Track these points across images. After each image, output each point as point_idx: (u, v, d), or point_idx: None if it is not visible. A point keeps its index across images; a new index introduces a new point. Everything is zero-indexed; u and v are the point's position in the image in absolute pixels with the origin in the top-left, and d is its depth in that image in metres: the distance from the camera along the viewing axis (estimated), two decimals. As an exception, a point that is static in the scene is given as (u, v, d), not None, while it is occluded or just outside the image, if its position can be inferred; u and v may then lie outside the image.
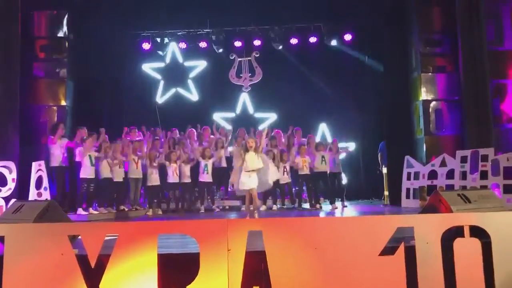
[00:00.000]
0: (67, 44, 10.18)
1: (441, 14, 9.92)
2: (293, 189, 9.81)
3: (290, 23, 12.15)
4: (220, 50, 12.54)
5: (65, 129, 9.16)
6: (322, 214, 8.52)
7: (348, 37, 12.17)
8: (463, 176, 8.38)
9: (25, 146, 8.77)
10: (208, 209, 9.56)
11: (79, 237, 3.56)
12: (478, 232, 3.46)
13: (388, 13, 10.52)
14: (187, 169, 9.55)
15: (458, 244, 3.41)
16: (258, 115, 12.62)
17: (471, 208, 3.89)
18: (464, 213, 3.68)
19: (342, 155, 10.12)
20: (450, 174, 8.70)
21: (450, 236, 3.43)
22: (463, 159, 8.42)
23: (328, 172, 9.56)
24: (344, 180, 10.70)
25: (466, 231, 3.46)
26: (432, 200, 4.12)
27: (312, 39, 12.31)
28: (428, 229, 3.45)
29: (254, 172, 7.09)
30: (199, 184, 9.64)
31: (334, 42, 12.27)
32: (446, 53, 9.80)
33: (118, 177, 8.89)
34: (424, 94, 9.87)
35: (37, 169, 7.70)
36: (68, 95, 10.11)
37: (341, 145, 10.36)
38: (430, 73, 9.86)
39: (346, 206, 9.57)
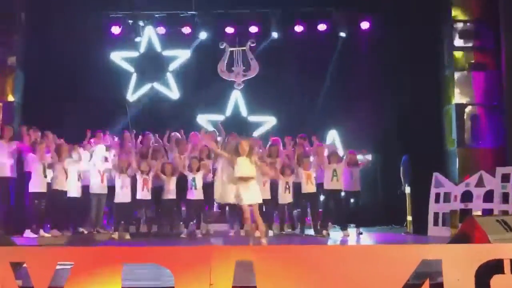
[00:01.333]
0: (17, 25, 10.16)
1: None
2: (295, 211, 9.80)
3: (294, 7, 12.23)
4: (207, 37, 12.57)
5: (13, 129, 9.09)
6: (330, 243, 8.50)
7: (365, 25, 12.25)
8: (505, 198, 8.39)
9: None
10: (191, 234, 9.49)
11: (24, 265, 3.53)
12: (521, 268, 3.46)
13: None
14: (172, 183, 9.52)
15: (497, 281, 3.41)
16: (253, 118, 12.66)
17: (512, 238, 3.90)
18: (504, 244, 3.68)
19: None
20: (488, 196, 8.70)
21: (487, 271, 3.43)
22: (505, 178, 8.44)
23: (341, 190, 9.56)
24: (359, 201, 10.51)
25: (507, 266, 3.46)
26: (465, 227, 4.13)
27: (321, 27, 12.39)
28: (459, 263, 3.44)
29: (250, 181, 6.97)
30: (186, 202, 9.61)
31: (347, 32, 12.32)
32: (486, 47, 9.85)
33: (74, 191, 8.87)
34: (458, 97, 9.93)
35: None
36: (17, 88, 10.11)
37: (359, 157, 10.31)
38: (465, 71, 9.92)
39: (361, 234, 9.55)
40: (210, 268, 3.33)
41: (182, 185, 9.59)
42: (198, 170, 9.54)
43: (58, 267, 3.44)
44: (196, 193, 9.49)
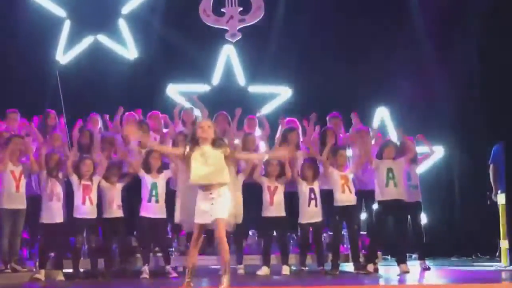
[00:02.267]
0: None
1: None
2: (324, 233, 9.84)
3: None
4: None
5: None
6: (381, 284, 8.45)
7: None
8: None
9: None
10: (159, 273, 9.44)
11: None
12: None
13: None
14: (116, 193, 9.42)
15: None
16: (256, 88, 12.80)
17: None
18: None
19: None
20: None
21: None
22: None
23: (403, 200, 9.47)
24: (423, 219, 10.65)
25: None
26: None
27: None
28: None
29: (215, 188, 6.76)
30: (139, 221, 9.53)
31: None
32: None
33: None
34: None
35: None
36: None
37: (419, 149, 10.32)
38: None
39: (428, 269, 9.53)
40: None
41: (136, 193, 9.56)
42: (159, 170, 9.52)
43: None
44: (154, 208, 9.46)
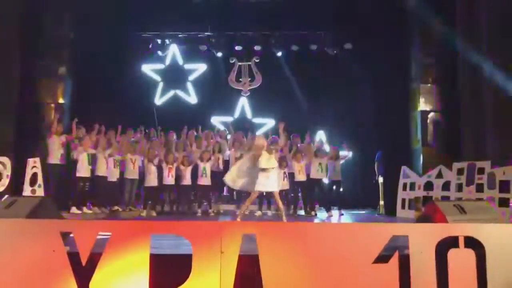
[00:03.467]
0: (67, 43, 10.22)
1: (442, 24, 9.91)
2: (289, 195, 9.79)
3: (291, 30, 12.17)
4: (220, 54, 12.56)
5: (63, 126, 9.11)
6: (317, 221, 8.47)
7: (348, 46, 12.20)
8: (459, 188, 8.37)
9: (21, 142, 8.74)
10: (205, 212, 9.49)
11: (71, 234, 3.52)
12: (472, 243, 3.45)
13: (388, 24, 10.49)
14: (187, 172, 9.48)
15: (453, 254, 3.40)
16: (257, 120, 12.60)
17: (466, 219, 3.89)
18: (459, 224, 3.68)
19: (342, 162, 10.08)
20: (446, 186, 8.68)
21: (445, 246, 3.42)
22: (460, 171, 8.42)
23: (325, 179, 9.51)
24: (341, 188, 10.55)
25: (461, 242, 3.45)
26: (428, 209, 4.11)
27: (313, 47, 12.36)
28: (423, 239, 3.43)
29: (271, 172, 6.85)
30: (197, 187, 9.56)
31: (333, 51, 12.31)
32: (447, 65, 9.81)
33: (113, 176, 8.88)
34: (423, 105, 9.89)
35: (32, 166, 7.65)
36: (66, 93, 10.12)
37: (340, 152, 10.25)
38: (429, 84, 9.92)
39: (342, 214, 9.48)
40: (221, 239, 3.31)
41: (195, 173, 9.56)
42: (208, 160, 9.49)
43: (98, 236, 3.43)
44: (205, 180, 9.43)
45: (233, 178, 7.17)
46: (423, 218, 4.10)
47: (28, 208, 3.86)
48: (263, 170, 6.80)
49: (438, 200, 4.11)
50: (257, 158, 6.84)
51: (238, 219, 6.75)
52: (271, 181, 6.86)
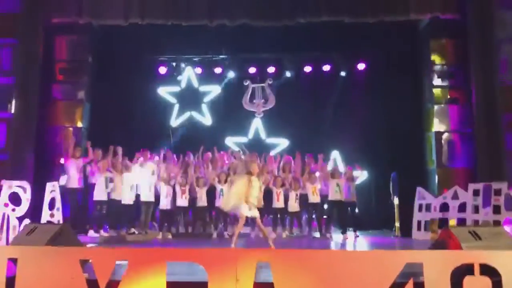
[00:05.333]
0: (86, 67, 10.44)
1: (455, 46, 9.99)
2: (303, 217, 9.76)
3: (304, 52, 12.23)
4: (234, 76, 12.66)
5: (81, 150, 9.28)
6: (332, 244, 8.44)
7: (361, 66, 12.20)
8: (476, 209, 8.28)
9: (40, 166, 8.91)
10: (220, 235, 9.45)
11: (90, 262, 3.59)
12: (488, 271, 3.43)
13: (401, 45, 10.61)
14: (203, 193, 9.48)
15: (468, 282, 3.39)
16: (270, 140, 12.55)
17: (481, 245, 3.87)
18: (474, 251, 3.67)
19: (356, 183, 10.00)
20: (462, 207, 8.60)
21: (460, 273, 3.41)
22: (476, 192, 8.33)
23: (343, 200, 9.48)
24: (357, 209, 10.41)
25: (476, 269, 3.44)
26: (443, 236, 4.10)
27: (326, 68, 12.38)
28: (437, 266, 3.43)
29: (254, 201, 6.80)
30: (215, 209, 9.53)
31: (346, 71, 12.29)
32: (459, 86, 9.84)
33: (129, 199, 8.96)
34: (437, 126, 9.88)
35: (51, 190, 7.78)
36: (85, 117, 10.31)
37: (355, 172, 10.19)
38: (442, 105, 9.92)
39: (358, 236, 9.33)
40: (236, 267, 3.35)
41: (213, 194, 9.53)
42: (225, 182, 9.47)
43: (116, 264, 3.50)
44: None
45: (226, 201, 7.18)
46: (438, 245, 4.08)
47: (48, 235, 3.95)
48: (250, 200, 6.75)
49: (452, 227, 4.09)
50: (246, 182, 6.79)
51: (232, 246, 6.64)
52: (253, 209, 6.79)
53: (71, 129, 10.11)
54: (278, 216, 9.51)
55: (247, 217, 6.87)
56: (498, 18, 9.02)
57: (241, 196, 6.79)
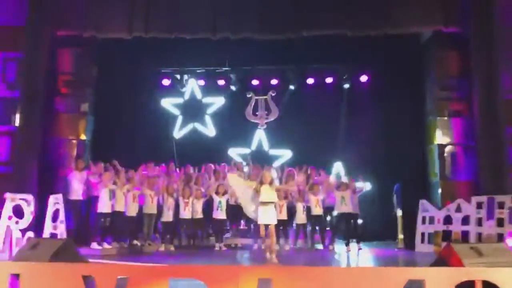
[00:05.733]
0: (89, 80, 10.51)
1: (457, 59, 9.99)
2: (308, 229, 9.80)
3: (307, 64, 12.31)
4: (237, 88, 12.73)
5: (84, 162, 9.32)
6: (335, 257, 8.44)
7: (364, 78, 12.25)
8: (479, 222, 8.27)
9: (44, 178, 8.94)
10: (222, 247, 9.45)
11: (92, 278, 3.60)
12: (490, 288, 3.43)
13: (404, 57, 10.66)
14: (198, 205, 9.52)
15: (470, 299, 3.38)
16: (273, 152, 12.61)
17: (483, 262, 3.86)
18: (476, 268, 3.66)
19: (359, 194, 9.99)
20: (465, 220, 8.59)
21: (462, 291, 3.40)
22: (479, 205, 8.34)
23: (351, 212, 9.49)
24: (359, 220, 10.40)
25: (478, 286, 3.43)
26: (444, 252, 4.09)
27: (328, 80, 12.45)
28: (439, 283, 3.41)
29: (270, 205, 6.98)
30: (212, 220, 9.58)
31: (349, 84, 12.33)
32: (462, 98, 9.84)
33: (132, 211, 8.98)
34: (439, 138, 9.88)
35: (54, 202, 7.82)
36: (88, 129, 10.36)
37: (356, 185, 10.17)
38: (445, 117, 9.93)
39: (361, 249, 9.34)
40: (238, 284, 3.36)
41: (211, 206, 9.59)
42: (223, 194, 9.51)
43: (118, 279, 3.51)
44: (220, 213, 9.43)
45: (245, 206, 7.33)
46: (440, 261, 4.07)
47: (51, 250, 3.96)
48: (263, 203, 6.90)
49: (454, 243, 4.09)
50: (259, 190, 6.96)
51: (273, 258, 6.78)
52: (270, 214, 6.95)
53: (74, 141, 10.16)
54: (281, 228, 9.47)
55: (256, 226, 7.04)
56: (500, 31, 9.04)
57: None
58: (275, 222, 7.09)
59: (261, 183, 7.01)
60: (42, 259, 3.89)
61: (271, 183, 7.04)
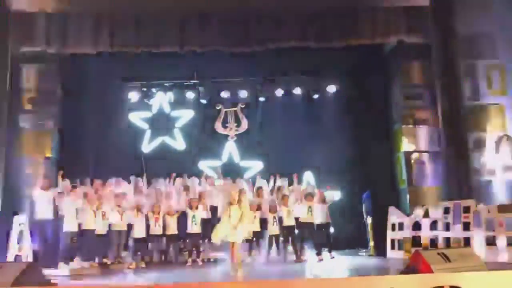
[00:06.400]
0: (54, 96, 10.29)
1: (421, 68, 10.29)
2: (281, 239, 9.63)
3: (275, 76, 12.42)
4: (206, 101, 12.67)
5: (50, 180, 9.07)
6: (308, 267, 8.42)
7: (331, 88, 12.41)
8: (447, 227, 8.42)
9: (8, 198, 8.66)
10: (194, 261, 9.27)
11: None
12: (458, 293, 3.48)
13: (370, 67, 10.84)
14: (172, 221, 9.39)
15: (439, 305, 3.42)
16: (244, 163, 12.56)
17: (451, 267, 3.93)
18: (444, 274, 3.71)
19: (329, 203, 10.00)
20: (433, 225, 8.73)
21: (431, 297, 3.44)
22: (446, 210, 8.49)
23: (315, 223, 9.47)
24: (331, 229, 10.40)
25: (447, 292, 3.48)
26: (414, 259, 4.15)
27: (296, 91, 12.56)
28: (409, 291, 3.46)
29: (238, 225, 6.90)
30: (187, 235, 9.43)
31: (318, 94, 12.46)
32: (427, 106, 10.10)
33: (102, 229, 8.77)
34: (406, 146, 10.09)
35: (19, 223, 7.57)
36: (54, 146, 10.12)
37: (326, 194, 10.15)
38: (411, 125, 10.13)
39: (333, 258, 9.34)
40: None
41: (185, 221, 9.42)
42: (196, 208, 9.40)
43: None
44: (195, 228, 9.31)
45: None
46: (410, 268, 4.12)
47: (13, 275, 3.82)
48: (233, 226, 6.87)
49: (422, 250, 4.15)
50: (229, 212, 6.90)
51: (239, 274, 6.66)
52: (237, 232, 6.89)
53: (40, 159, 9.89)
54: (253, 239, 9.38)
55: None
56: (461, 41, 9.32)
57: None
58: (240, 241, 7.02)
59: (230, 203, 6.93)
60: (4, 284, 3.74)
61: (239, 201, 6.96)
